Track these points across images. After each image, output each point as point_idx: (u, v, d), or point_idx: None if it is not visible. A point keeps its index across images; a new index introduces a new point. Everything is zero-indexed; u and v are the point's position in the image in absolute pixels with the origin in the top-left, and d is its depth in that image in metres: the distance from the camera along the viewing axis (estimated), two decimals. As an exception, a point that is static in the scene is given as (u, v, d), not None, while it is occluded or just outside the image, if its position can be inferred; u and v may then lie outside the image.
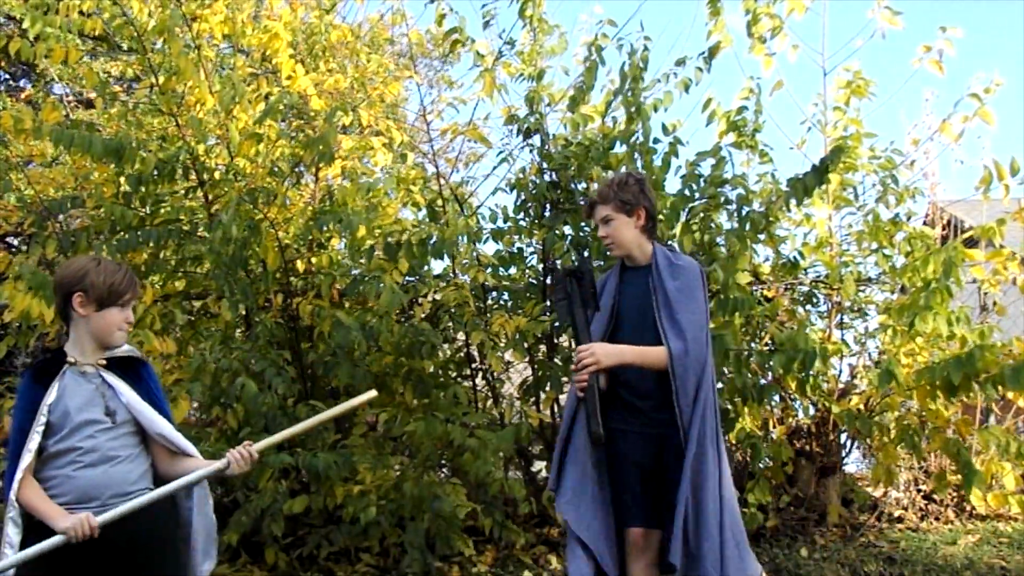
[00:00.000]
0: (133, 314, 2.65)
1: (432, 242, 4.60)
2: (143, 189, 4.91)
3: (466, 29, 5.08)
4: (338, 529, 4.56)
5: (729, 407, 4.87)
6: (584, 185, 4.95)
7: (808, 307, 5.47)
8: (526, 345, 4.82)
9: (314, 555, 4.59)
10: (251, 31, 5.43)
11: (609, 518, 3.08)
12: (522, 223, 5.11)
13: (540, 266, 5.15)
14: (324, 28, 6.13)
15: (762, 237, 4.96)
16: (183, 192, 5.27)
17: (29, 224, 5.16)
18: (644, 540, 3.04)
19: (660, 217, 4.64)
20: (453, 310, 4.91)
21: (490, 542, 4.80)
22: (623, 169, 4.80)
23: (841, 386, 5.41)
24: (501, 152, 5.19)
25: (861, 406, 5.14)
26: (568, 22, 16.91)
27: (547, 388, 4.93)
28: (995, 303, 5.44)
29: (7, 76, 10.68)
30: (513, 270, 5.24)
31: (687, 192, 4.86)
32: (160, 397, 2.69)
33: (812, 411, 5.36)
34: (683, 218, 4.81)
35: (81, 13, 4.98)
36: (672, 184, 4.98)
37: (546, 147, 5.04)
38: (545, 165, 5.03)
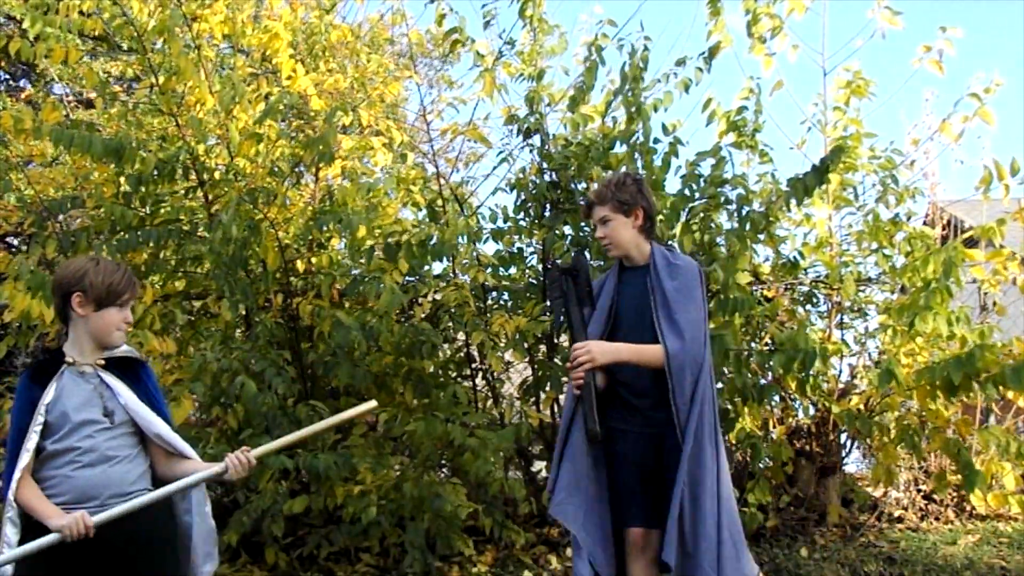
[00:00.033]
0: (132, 314, 2.65)
1: (432, 243, 4.60)
2: (143, 189, 4.91)
3: (466, 29, 5.09)
4: (338, 529, 4.56)
5: (729, 407, 4.87)
6: (584, 185, 4.95)
7: (808, 307, 5.47)
8: (526, 345, 4.83)
9: (314, 555, 4.59)
10: (251, 31, 5.43)
11: (605, 517, 3.08)
12: (522, 223, 5.11)
13: (540, 266, 5.15)
14: (324, 28, 6.12)
15: (762, 237, 4.96)
16: (183, 192, 5.26)
17: (29, 224, 5.16)
18: (644, 540, 3.03)
19: (660, 217, 4.64)
20: (453, 310, 4.91)
21: (490, 542, 4.80)
22: (623, 169, 4.80)
23: (841, 386, 5.41)
24: (501, 152, 5.20)
25: (861, 406, 5.14)
26: (568, 22, 16.91)
27: (547, 388, 4.93)
28: (995, 303, 5.43)
29: (7, 76, 10.68)
30: (513, 270, 5.24)
31: (687, 192, 4.85)
32: (158, 398, 2.68)
33: (812, 411, 5.36)
34: (683, 218, 4.81)
35: (81, 13, 4.97)
36: (672, 184, 5.00)
37: (546, 147, 5.04)
38: (545, 165, 5.03)
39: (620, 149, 4.95)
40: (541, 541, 4.91)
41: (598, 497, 3.08)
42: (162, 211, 5.13)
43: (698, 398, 2.96)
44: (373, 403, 2.90)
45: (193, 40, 5.19)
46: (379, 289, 4.39)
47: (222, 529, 4.31)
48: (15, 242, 7.88)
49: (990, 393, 4.40)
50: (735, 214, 4.85)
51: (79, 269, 2.54)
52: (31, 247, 4.96)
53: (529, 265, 5.24)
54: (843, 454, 5.54)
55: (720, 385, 4.66)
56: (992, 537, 5.17)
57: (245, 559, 4.62)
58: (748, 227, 4.68)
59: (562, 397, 4.74)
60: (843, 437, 5.50)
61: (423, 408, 4.58)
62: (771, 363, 4.62)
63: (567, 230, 4.97)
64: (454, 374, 5.20)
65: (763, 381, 4.96)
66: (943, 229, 6.01)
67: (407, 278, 4.96)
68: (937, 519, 5.48)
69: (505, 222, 5.14)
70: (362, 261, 4.93)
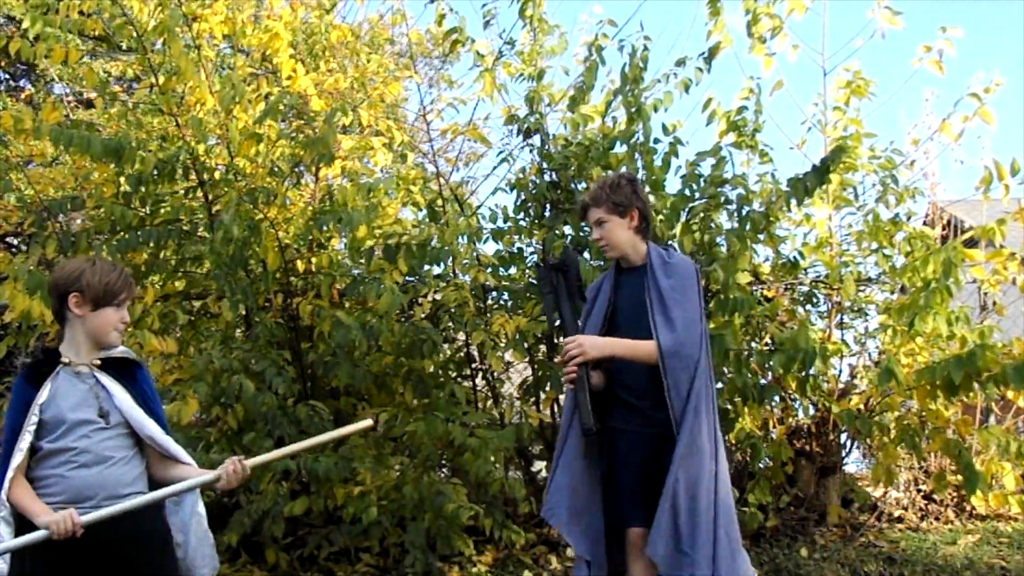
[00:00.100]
0: (129, 314, 2.65)
1: (431, 246, 4.60)
2: (143, 189, 4.91)
3: (466, 29, 5.10)
4: (338, 529, 4.56)
5: (729, 407, 4.87)
6: (584, 185, 4.95)
7: (808, 307, 5.46)
8: (526, 345, 4.83)
9: (314, 555, 4.59)
10: (251, 31, 5.42)
11: (599, 519, 3.09)
12: (522, 223, 5.11)
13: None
14: (324, 28, 6.11)
15: (762, 237, 4.95)
16: (183, 192, 5.26)
17: (29, 224, 5.16)
18: (644, 540, 3.02)
19: (660, 217, 4.65)
20: (453, 310, 4.91)
21: (490, 542, 4.79)
22: (623, 169, 4.80)
23: (841, 386, 5.41)
24: (501, 152, 5.21)
25: (861, 406, 5.14)
26: (568, 22, 16.89)
27: (547, 388, 4.94)
28: (995, 303, 5.43)
29: (7, 76, 10.69)
30: (513, 270, 5.24)
31: (687, 192, 4.85)
32: (154, 399, 2.68)
33: (812, 411, 5.36)
34: (683, 218, 4.81)
35: (81, 13, 4.97)
36: (672, 184, 4.99)
37: (546, 147, 5.04)
38: (545, 165, 5.03)
39: (620, 149, 4.95)
40: (541, 541, 4.91)
41: (592, 500, 3.08)
42: (162, 211, 5.13)
43: (693, 395, 2.95)
44: (368, 422, 2.83)
45: (193, 40, 5.19)
46: (379, 290, 4.39)
47: (223, 529, 4.32)
48: (15, 242, 7.88)
49: (990, 393, 4.40)
50: (735, 214, 4.85)
51: (76, 269, 2.55)
52: (31, 247, 4.96)
53: (529, 265, 5.24)
54: (843, 454, 5.54)
55: (720, 385, 4.66)
56: (992, 537, 5.17)
57: (245, 559, 4.62)
58: (748, 227, 4.68)
59: (562, 397, 4.75)
60: (843, 437, 5.50)
61: (423, 408, 4.58)
62: (771, 363, 4.62)
63: (567, 230, 4.97)
64: (454, 374, 5.20)
65: (763, 381, 4.96)
66: (943, 229, 6.01)
67: (407, 278, 4.96)
68: (937, 519, 5.48)
69: (505, 222, 5.14)
70: (362, 261, 4.93)
